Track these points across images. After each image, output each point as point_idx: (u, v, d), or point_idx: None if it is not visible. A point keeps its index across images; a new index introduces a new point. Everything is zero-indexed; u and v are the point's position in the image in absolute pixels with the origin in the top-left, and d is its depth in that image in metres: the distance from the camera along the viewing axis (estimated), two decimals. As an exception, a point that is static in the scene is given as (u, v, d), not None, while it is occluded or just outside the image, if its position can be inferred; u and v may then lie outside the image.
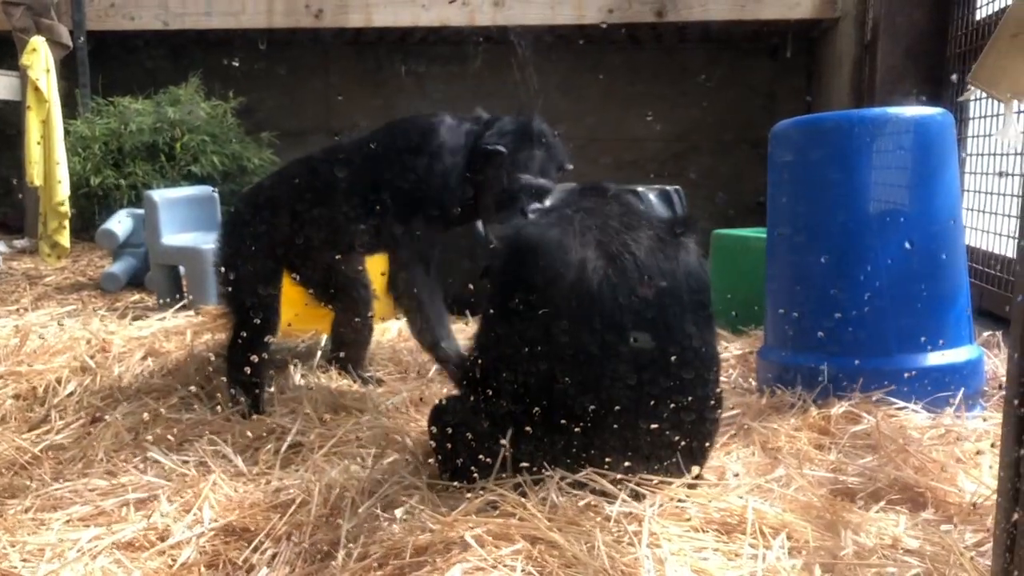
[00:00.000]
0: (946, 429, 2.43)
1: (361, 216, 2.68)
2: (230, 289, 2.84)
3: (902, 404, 2.58)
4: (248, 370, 2.73)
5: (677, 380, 1.93)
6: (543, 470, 1.92)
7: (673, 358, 1.92)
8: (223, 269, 2.86)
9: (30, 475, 2.33)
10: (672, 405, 1.93)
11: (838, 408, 2.57)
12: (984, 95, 2.97)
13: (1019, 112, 2.99)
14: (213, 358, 3.07)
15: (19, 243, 6.22)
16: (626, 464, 1.91)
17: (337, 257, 2.91)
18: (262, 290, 2.75)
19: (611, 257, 1.93)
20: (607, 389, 1.89)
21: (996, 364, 3.03)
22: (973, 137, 4.09)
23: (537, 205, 2.56)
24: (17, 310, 4.23)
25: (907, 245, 2.68)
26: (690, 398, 1.95)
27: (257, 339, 2.72)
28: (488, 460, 1.97)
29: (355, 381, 3.16)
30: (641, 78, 6.89)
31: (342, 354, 3.24)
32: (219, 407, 2.77)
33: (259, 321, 2.73)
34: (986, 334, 3.25)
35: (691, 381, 1.95)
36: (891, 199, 2.76)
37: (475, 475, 1.98)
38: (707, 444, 2.08)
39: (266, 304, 2.75)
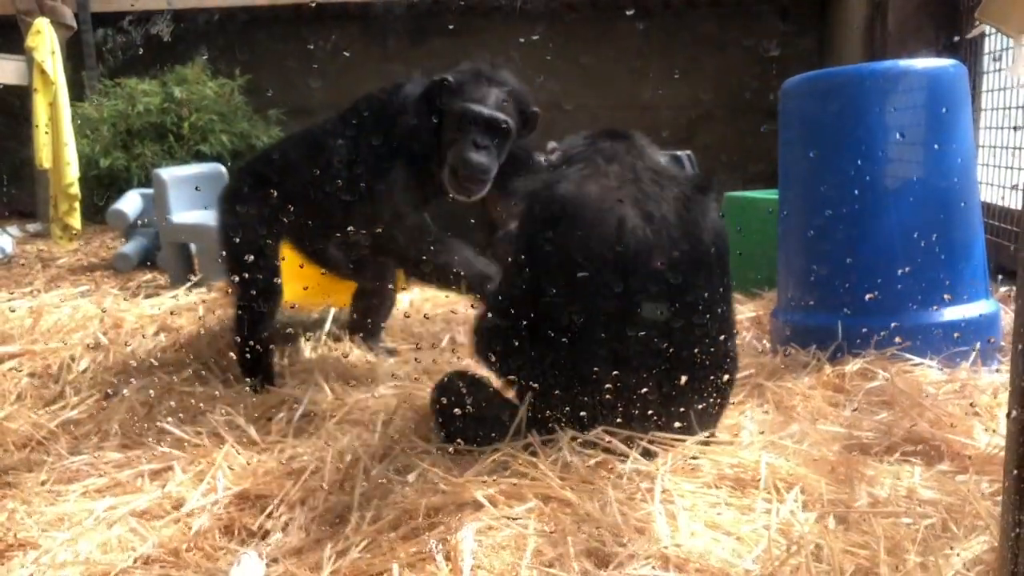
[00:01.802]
0: (962, 384, 2.41)
1: (350, 187, 2.65)
2: (230, 262, 2.83)
3: (917, 360, 2.55)
4: (255, 342, 2.74)
5: (699, 338, 1.91)
6: (561, 428, 1.92)
7: (695, 316, 1.91)
8: (223, 242, 2.85)
9: (47, 450, 2.35)
10: (692, 362, 1.91)
11: (853, 365, 2.55)
12: (1004, 43, 2.89)
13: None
14: (223, 334, 3.08)
15: (32, 227, 6.25)
16: (644, 421, 1.90)
17: (339, 231, 2.89)
18: (261, 261, 2.73)
19: (642, 214, 1.91)
20: (629, 345, 1.87)
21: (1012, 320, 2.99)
22: (988, 91, 4.02)
23: (486, 141, 2.47)
24: (31, 292, 4.25)
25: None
26: (710, 355, 1.93)
27: (261, 310, 2.72)
28: (498, 423, 1.96)
29: (368, 352, 3.16)
30: (651, 45, 6.81)
31: (359, 325, 3.24)
32: (231, 380, 2.79)
33: (261, 292, 2.72)
34: (1003, 290, 3.21)
35: (712, 339, 1.93)
36: (904, 153, 2.72)
37: (482, 437, 1.98)
38: (722, 401, 2.06)
39: (266, 275, 2.74)
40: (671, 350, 1.90)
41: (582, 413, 1.92)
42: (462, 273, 2.48)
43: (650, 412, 1.91)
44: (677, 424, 1.93)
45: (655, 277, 1.90)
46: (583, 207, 1.92)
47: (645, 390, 1.89)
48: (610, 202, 1.92)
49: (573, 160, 2.08)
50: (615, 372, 1.88)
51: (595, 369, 1.88)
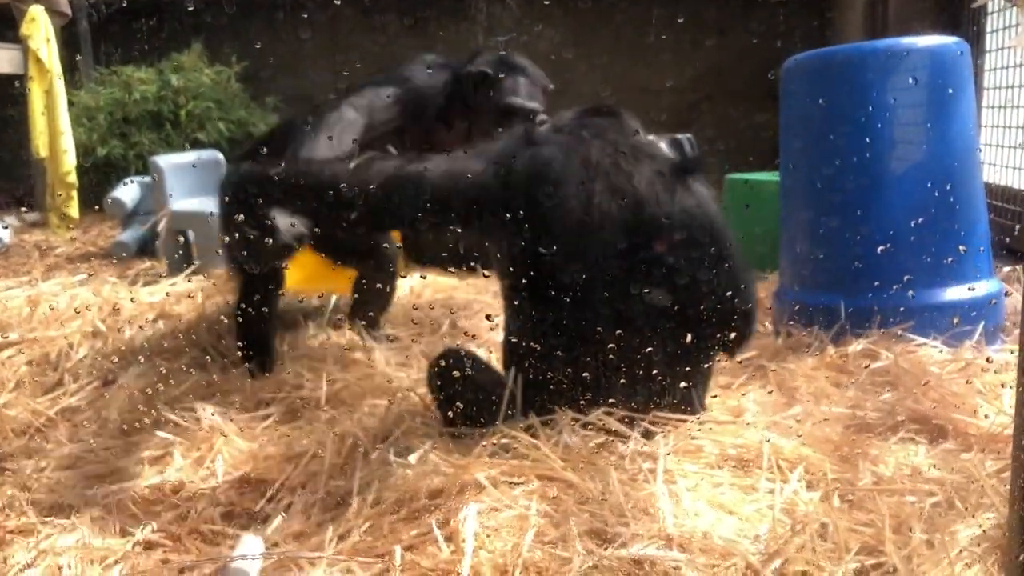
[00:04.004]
0: (966, 363, 2.39)
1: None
2: (233, 249, 2.81)
3: (921, 340, 2.54)
4: (258, 327, 2.73)
5: (676, 318, 1.90)
6: (557, 407, 1.91)
7: (672, 297, 1.89)
8: (225, 230, 2.83)
9: (46, 437, 2.34)
10: (673, 342, 1.90)
11: (856, 346, 2.53)
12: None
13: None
14: (224, 319, 3.07)
15: (29, 216, 6.22)
16: (630, 401, 1.89)
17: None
18: (263, 248, 2.71)
19: (617, 191, 1.89)
20: (601, 324, 1.86)
21: (1017, 299, 2.97)
22: (991, 70, 3.98)
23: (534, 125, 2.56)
24: (29, 281, 4.23)
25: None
26: (691, 336, 1.92)
27: (263, 297, 2.71)
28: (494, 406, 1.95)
29: (368, 339, 3.15)
30: (651, 27, 6.77)
31: (360, 312, 3.23)
32: (231, 366, 2.77)
33: (264, 278, 2.71)
34: (1007, 269, 3.19)
35: (691, 319, 1.92)
36: (907, 132, 2.69)
37: (480, 414, 1.97)
38: (706, 380, 2.05)
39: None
40: (644, 329, 1.88)
41: (549, 385, 1.91)
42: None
43: (623, 387, 1.90)
44: (661, 400, 1.93)
45: (621, 254, 1.88)
46: (553, 179, 1.90)
47: (616, 365, 1.88)
48: (579, 177, 1.91)
49: (558, 134, 2.06)
50: (586, 347, 1.87)
51: (565, 345, 1.88)
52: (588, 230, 1.87)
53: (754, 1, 6.75)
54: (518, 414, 1.94)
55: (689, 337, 1.92)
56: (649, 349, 1.87)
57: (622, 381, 1.89)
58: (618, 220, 1.87)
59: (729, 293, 1.98)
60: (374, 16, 7.03)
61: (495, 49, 2.80)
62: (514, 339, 1.97)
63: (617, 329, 1.86)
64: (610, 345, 1.86)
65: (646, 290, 1.86)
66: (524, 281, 1.91)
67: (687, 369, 1.94)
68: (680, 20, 6.71)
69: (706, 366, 2.01)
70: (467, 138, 2.71)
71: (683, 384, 1.94)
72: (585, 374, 1.88)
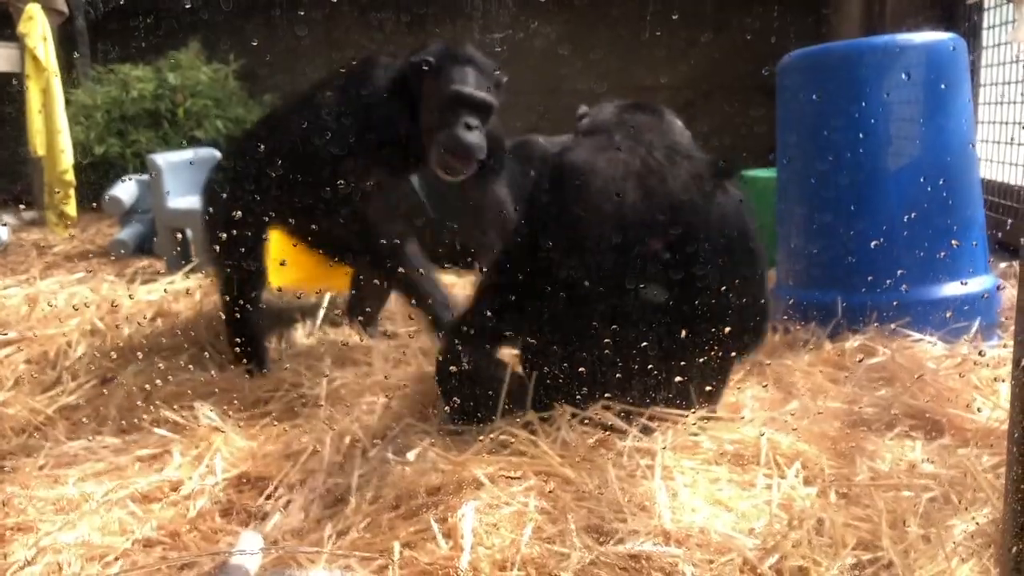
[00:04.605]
0: (962, 358, 2.40)
1: (331, 171, 2.63)
2: (216, 246, 2.80)
3: (917, 336, 2.55)
4: (245, 326, 2.73)
5: (697, 318, 1.90)
6: (559, 404, 1.92)
7: (687, 298, 1.89)
8: (208, 227, 2.84)
9: (45, 435, 2.34)
10: (690, 342, 1.90)
11: (853, 342, 2.54)
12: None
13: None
14: (222, 317, 3.07)
15: (27, 214, 6.21)
16: (636, 396, 1.90)
17: (325, 212, 2.87)
18: (245, 245, 2.71)
19: (646, 191, 1.90)
20: (620, 316, 1.87)
21: (1013, 295, 2.97)
22: (987, 66, 3.99)
23: (476, 121, 2.48)
24: (27, 279, 4.23)
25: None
26: (707, 335, 1.92)
27: (247, 294, 2.71)
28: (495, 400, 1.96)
29: (365, 337, 3.15)
30: (646, 24, 6.76)
31: (359, 309, 3.23)
32: (229, 363, 2.78)
33: (246, 278, 2.71)
34: (1003, 265, 3.20)
35: (710, 320, 1.92)
36: (903, 129, 2.70)
37: (484, 415, 1.98)
38: (719, 380, 2.06)
39: (251, 260, 2.72)
40: (663, 327, 1.89)
41: (555, 380, 1.92)
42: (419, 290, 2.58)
43: (639, 385, 1.91)
44: (668, 397, 1.93)
45: (649, 253, 1.89)
46: (587, 178, 1.92)
47: (633, 363, 1.89)
48: (614, 176, 1.91)
49: (596, 130, 2.07)
50: (603, 341, 1.88)
51: (582, 341, 1.89)
52: (619, 232, 1.88)
53: (751, -3, 6.74)
54: (521, 409, 1.95)
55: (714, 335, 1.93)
56: (682, 347, 1.88)
57: (655, 381, 1.90)
58: (651, 221, 1.88)
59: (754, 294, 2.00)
60: (371, 14, 7.01)
61: (444, 42, 2.64)
62: (535, 340, 1.97)
63: (649, 327, 1.87)
64: (635, 342, 1.87)
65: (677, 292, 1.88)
66: (553, 281, 1.92)
67: (713, 366, 1.95)
68: (675, 17, 6.71)
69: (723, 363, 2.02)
70: (414, 130, 2.58)
71: (701, 380, 1.95)
72: (623, 373, 1.89)
